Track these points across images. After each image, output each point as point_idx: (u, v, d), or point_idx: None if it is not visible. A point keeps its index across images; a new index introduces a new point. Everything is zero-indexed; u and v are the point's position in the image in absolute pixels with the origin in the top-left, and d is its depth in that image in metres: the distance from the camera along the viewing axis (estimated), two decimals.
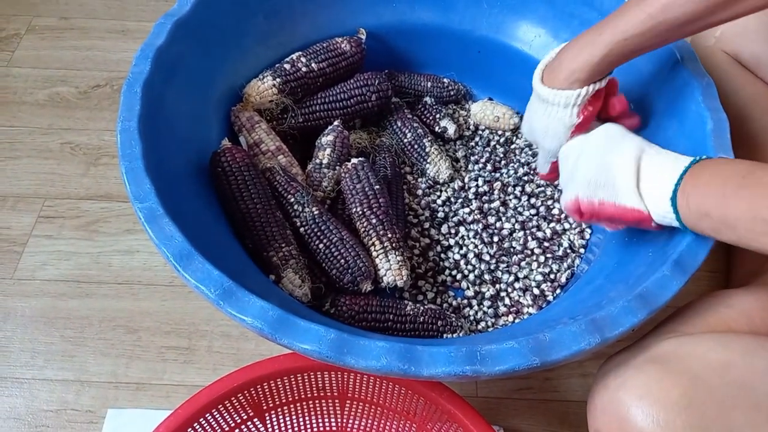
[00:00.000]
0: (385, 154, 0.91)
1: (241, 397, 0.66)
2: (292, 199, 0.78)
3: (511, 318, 0.82)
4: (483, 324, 0.81)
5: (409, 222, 0.89)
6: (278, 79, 0.86)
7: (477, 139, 1.00)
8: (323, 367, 0.66)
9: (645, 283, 0.59)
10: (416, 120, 0.96)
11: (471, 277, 0.84)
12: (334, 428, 0.76)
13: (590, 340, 0.54)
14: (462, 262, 0.86)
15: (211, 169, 0.77)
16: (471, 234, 0.88)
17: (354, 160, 0.84)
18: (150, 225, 0.59)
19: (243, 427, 0.70)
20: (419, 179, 0.94)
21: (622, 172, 0.62)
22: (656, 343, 0.58)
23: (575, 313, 0.64)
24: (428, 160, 0.92)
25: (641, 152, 0.62)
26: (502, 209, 0.91)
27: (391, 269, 0.76)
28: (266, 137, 0.85)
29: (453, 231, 0.88)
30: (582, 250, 0.87)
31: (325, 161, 0.85)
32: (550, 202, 0.91)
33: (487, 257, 0.86)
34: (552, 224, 0.89)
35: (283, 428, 0.74)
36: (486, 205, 0.91)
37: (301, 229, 0.77)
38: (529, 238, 0.88)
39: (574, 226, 0.89)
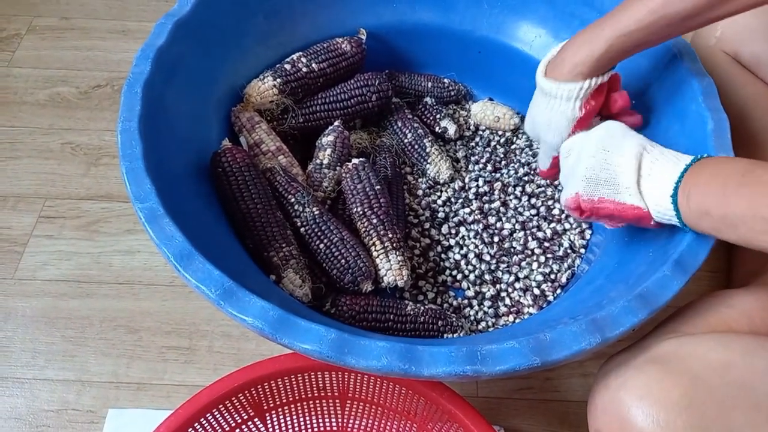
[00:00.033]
0: (386, 154, 0.91)
1: (241, 397, 0.66)
2: (293, 200, 0.78)
3: (511, 318, 0.82)
4: (483, 324, 0.81)
5: (410, 222, 0.89)
6: (279, 80, 0.86)
7: (477, 139, 1.00)
8: (324, 367, 0.66)
9: (645, 283, 0.59)
10: (417, 120, 0.96)
11: (471, 277, 0.84)
12: (334, 428, 0.76)
13: (591, 340, 0.54)
14: (462, 263, 0.86)
15: (211, 170, 0.77)
16: (471, 234, 0.88)
17: (354, 161, 0.84)
18: (150, 225, 0.59)
19: (243, 426, 0.70)
20: (420, 179, 0.94)
21: (622, 170, 0.62)
22: (657, 343, 0.58)
23: (576, 313, 0.64)
24: (429, 161, 0.92)
25: (642, 150, 0.62)
26: (502, 209, 0.91)
27: (391, 269, 0.76)
28: (267, 137, 0.85)
29: (453, 231, 0.88)
30: (582, 250, 0.87)
31: (325, 161, 0.85)
32: (550, 203, 0.91)
33: (487, 257, 0.86)
34: (552, 224, 0.89)
35: (283, 428, 0.74)
36: (486, 206, 0.91)
37: (302, 230, 0.77)
38: (530, 238, 0.88)
39: (574, 226, 0.89)
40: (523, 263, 0.86)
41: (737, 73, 0.90)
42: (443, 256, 0.86)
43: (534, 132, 0.79)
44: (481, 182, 0.93)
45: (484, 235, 0.88)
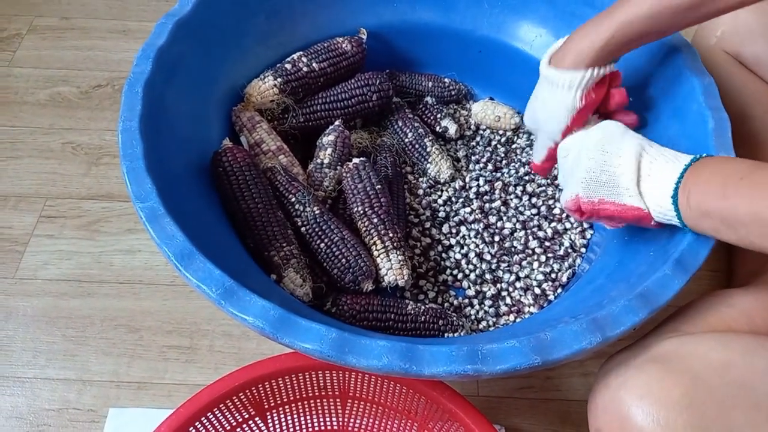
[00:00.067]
0: (386, 153, 0.91)
1: (242, 396, 0.66)
2: (294, 199, 0.78)
3: (512, 317, 0.82)
4: (484, 323, 0.81)
5: (410, 221, 0.89)
6: (279, 79, 0.86)
7: (478, 138, 1.00)
8: (324, 366, 0.66)
9: (646, 282, 0.59)
10: (417, 120, 0.96)
11: (472, 276, 0.84)
12: (335, 427, 0.76)
13: (591, 339, 0.54)
14: (463, 262, 0.86)
15: (212, 169, 0.77)
16: (472, 233, 0.88)
17: (355, 160, 0.84)
18: (151, 225, 0.59)
19: (244, 426, 0.70)
20: (420, 179, 0.94)
21: (622, 171, 0.62)
22: (657, 343, 0.58)
23: (576, 312, 0.64)
24: (429, 160, 0.92)
25: (641, 150, 0.62)
26: (503, 209, 0.91)
27: (392, 269, 0.76)
28: (267, 137, 0.85)
29: (454, 230, 0.88)
30: (583, 250, 0.87)
31: (326, 161, 0.85)
32: (551, 202, 0.91)
33: (488, 257, 0.86)
34: (553, 224, 0.89)
35: (284, 427, 0.74)
36: (487, 205, 0.91)
37: (303, 229, 0.77)
38: (530, 237, 0.88)
39: (575, 225, 0.89)
40: (524, 262, 0.86)
41: (738, 72, 0.90)
42: (444, 255, 0.86)
43: (533, 121, 0.79)
44: (481, 182, 0.93)
45: (485, 234, 0.88)
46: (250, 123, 0.85)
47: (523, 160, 0.96)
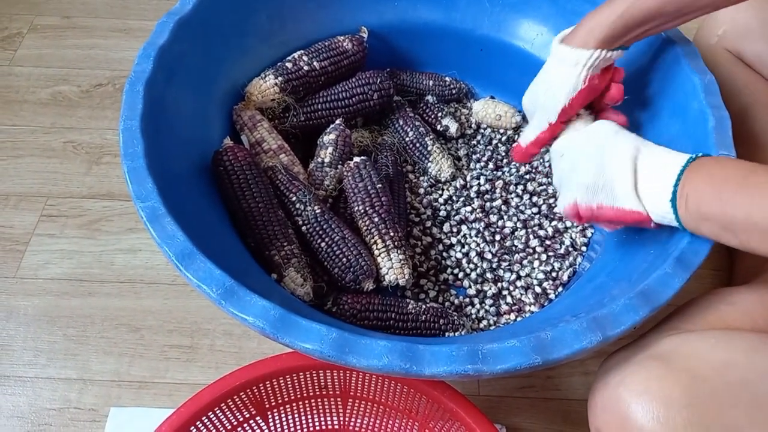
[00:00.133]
0: (387, 152, 0.91)
1: (243, 396, 0.66)
2: (294, 198, 0.78)
3: (513, 316, 0.82)
4: (485, 322, 0.81)
5: (411, 221, 0.89)
6: (280, 78, 0.86)
7: (479, 137, 1.00)
8: (325, 365, 0.66)
9: (647, 280, 0.59)
10: (418, 118, 0.96)
11: (473, 275, 0.84)
12: (336, 427, 0.76)
13: (592, 338, 0.54)
14: (464, 261, 0.86)
15: (213, 168, 0.77)
16: (473, 232, 0.88)
17: (356, 159, 0.84)
18: (152, 224, 0.59)
19: (245, 425, 0.70)
20: (421, 178, 0.94)
21: (619, 175, 0.61)
22: (657, 341, 0.58)
23: (577, 311, 0.64)
24: (430, 159, 0.92)
25: (637, 152, 0.62)
26: (503, 208, 0.91)
27: (393, 268, 0.76)
28: (268, 136, 0.85)
29: (455, 229, 0.88)
30: (584, 248, 0.87)
31: (327, 160, 0.85)
32: (551, 201, 0.91)
33: (488, 256, 0.86)
34: (554, 222, 0.89)
35: (285, 427, 0.74)
36: (488, 204, 0.91)
37: (303, 228, 0.77)
38: (531, 236, 0.88)
39: (575, 224, 0.89)
40: (525, 261, 0.86)
41: (739, 71, 0.90)
42: (445, 254, 0.86)
43: (532, 101, 0.77)
44: (482, 180, 0.93)
45: (486, 233, 0.88)
46: (251, 122, 0.85)
47: None
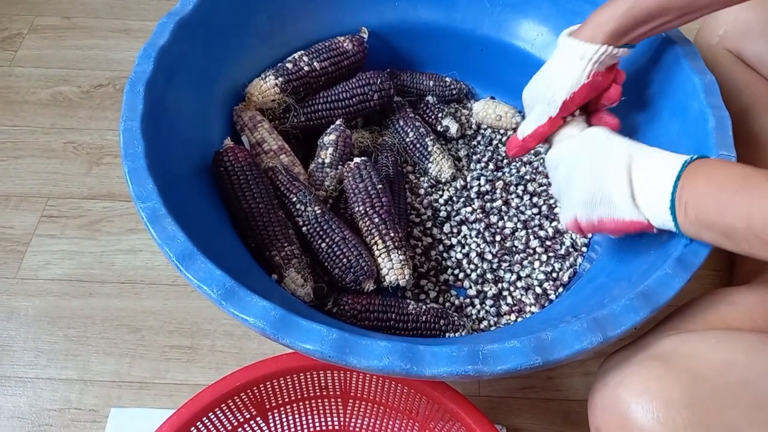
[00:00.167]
0: (388, 153, 0.91)
1: (243, 396, 0.66)
2: (295, 199, 0.78)
3: (513, 317, 0.82)
4: (485, 323, 0.81)
5: (412, 221, 0.89)
6: (280, 79, 0.86)
7: (479, 138, 1.00)
8: (326, 366, 0.66)
9: (647, 281, 0.58)
10: (418, 119, 0.96)
11: (473, 276, 0.84)
12: (336, 427, 0.76)
13: (592, 339, 0.54)
14: (464, 261, 0.86)
15: (213, 169, 0.77)
16: (473, 233, 0.88)
17: (356, 160, 0.84)
18: (152, 225, 0.59)
19: (246, 426, 0.70)
20: (421, 178, 0.94)
21: (615, 187, 0.61)
22: (657, 341, 0.58)
23: (577, 311, 0.64)
24: (430, 159, 0.92)
25: (630, 159, 0.61)
26: (504, 208, 0.91)
27: (393, 268, 0.76)
28: (268, 136, 0.85)
29: (455, 230, 0.88)
30: (584, 249, 0.87)
31: (327, 160, 0.85)
32: (552, 201, 0.91)
33: (489, 256, 0.86)
34: (554, 223, 0.89)
35: (285, 427, 0.74)
36: (488, 204, 0.91)
37: (304, 229, 0.77)
38: (531, 236, 0.88)
39: None
40: (525, 262, 0.86)
41: (740, 71, 0.90)
42: (445, 255, 0.86)
43: (533, 93, 0.76)
44: (482, 181, 0.93)
45: (486, 234, 0.88)
46: (251, 122, 0.85)
47: (525, 159, 0.96)
